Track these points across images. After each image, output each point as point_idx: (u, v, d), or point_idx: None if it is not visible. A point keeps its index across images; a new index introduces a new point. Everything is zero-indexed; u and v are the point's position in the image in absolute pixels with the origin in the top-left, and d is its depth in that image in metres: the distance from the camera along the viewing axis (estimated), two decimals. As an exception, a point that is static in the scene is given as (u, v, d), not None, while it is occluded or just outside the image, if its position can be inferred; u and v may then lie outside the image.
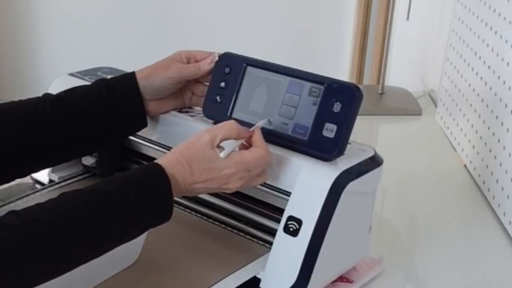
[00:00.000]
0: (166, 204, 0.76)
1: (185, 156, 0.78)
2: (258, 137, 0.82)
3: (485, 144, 1.18)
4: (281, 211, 0.82)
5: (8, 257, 0.65)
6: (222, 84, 0.90)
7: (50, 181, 1.04)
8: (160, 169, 0.76)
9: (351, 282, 0.89)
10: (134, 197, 0.73)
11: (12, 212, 0.68)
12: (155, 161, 0.78)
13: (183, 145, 0.79)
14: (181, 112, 0.95)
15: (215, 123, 0.91)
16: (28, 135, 0.85)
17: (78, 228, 0.69)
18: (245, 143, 0.82)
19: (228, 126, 0.81)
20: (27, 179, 1.00)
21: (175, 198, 0.98)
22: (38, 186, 1.04)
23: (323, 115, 0.82)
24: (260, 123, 0.84)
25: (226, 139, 0.80)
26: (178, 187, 0.77)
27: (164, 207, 0.76)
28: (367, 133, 1.48)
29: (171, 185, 0.76)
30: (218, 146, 0.79)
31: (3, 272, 0.65)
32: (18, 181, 0.91)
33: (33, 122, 0.85)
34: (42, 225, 0.67)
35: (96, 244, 0.72)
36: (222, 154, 0.78)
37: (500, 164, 1.10)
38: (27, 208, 0.69)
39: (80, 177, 1.05)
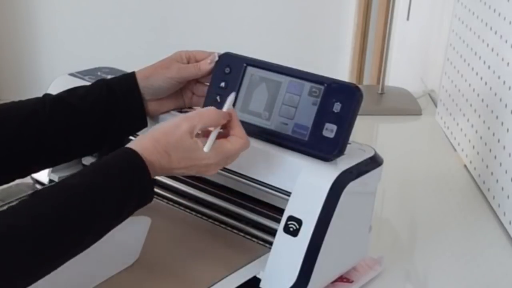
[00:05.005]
0: (147, 190, 0.75)
1: (162, 143, 0.75)
2: (235, 123, 0.80)
3: (485, 144, 1.18)
4: (281, 211, 0.82)
5: None
6: (222, 84, 0.90)
7: (50, 181, 1.04)
8: (137, 157, 0.74)
9: (351, 282, 0.89)
10: (113, 189, 0.72)
11: None
12: (130, 145, 0.75)
13: (160, 131, 0.77)
14: (181, 112, 0.95)
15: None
16: (28, 135, 0.85)
17: (57, 229, 0.67)
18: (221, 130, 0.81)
19: (207, 114, 0.78)
20: (27, 179, 1.00)
21: (174, 198, 0.99)
22: (38, 186, 1.04)
23: (323, 115, 0.82)
24: (229, 101, 0.82)
25: (205, 128, 0.78)
26: (155, 171, 0.75)
27: (145, 194, 0.75)
28: (367, 133, 1.48)
29: (149, 171, 0.74)
30: (197, 135, 0.78)
31: None
32: (18, 181, 0.91)
33: (33, 123, 0.85)
34: (19, 230, 0.65)
35: (77, 242, 0.70)
36: (205, 148, 0.77)
37: (500, 164, 1.10)
38: (0, 213, 0.67)
39: (80, 177, 1.05)
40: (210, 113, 0.79)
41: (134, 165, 0.74)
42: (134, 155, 0.74)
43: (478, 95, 1.24)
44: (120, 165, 0.73)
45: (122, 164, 0.73)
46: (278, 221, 0.82)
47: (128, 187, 0.73)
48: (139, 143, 0.76)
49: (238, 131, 0.80)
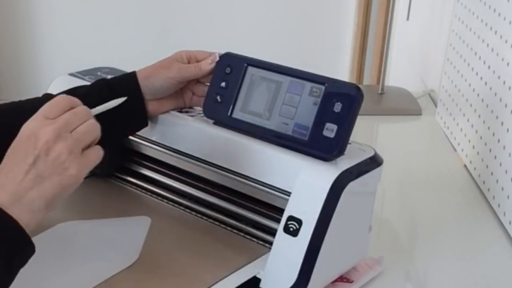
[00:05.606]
0: (18, 243, 0.65)
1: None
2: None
3: (485, 144, 1.18)
4: (281, 211, 0.82)
5: None
6: (223, 84, 0.91)
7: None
8: None
9: (351, 282, 0.89)
10: None
11: None
12: None
13: None
14: (181, 112, 0.96)
15: (215, 123, 0.91)
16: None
17: None
18: None
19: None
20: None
21: (174, 198, 0.99)
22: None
23: (323, 115, 0.82)
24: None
25: None
26: (18, 211, 0.64)
27: (20, 250, 0.65)
28: (367, 133, 1.48)
29: (4, 210, 0.63)
30: None
31: None
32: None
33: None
34: None
35: None
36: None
37: (500, 164, 1.10)
38: None
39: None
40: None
41: None
42: None
43: (478, 95, 1.24)
44: None
45: None
46: (278, 221, 0.82)
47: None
48: None
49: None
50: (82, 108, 0.70)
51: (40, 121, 0.68)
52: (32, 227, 0.66)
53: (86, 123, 0.69)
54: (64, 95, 0.71)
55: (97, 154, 0.70)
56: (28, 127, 0.68)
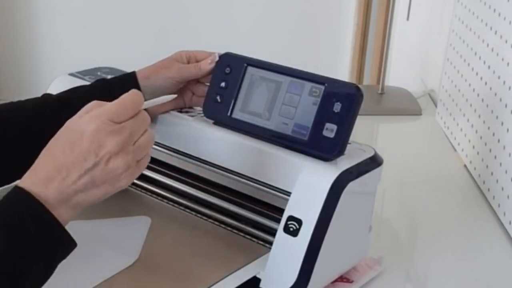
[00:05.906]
0: (61, 241, 0.65)
1: (48, 147, 0.67)
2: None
3: (485, 144, 1.18)
4: (281, 211, 0.82)
5: None
6: (223, 84, 0.91)
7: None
8: (28, 202, 0.63)
9: (351, 282, 0.89)
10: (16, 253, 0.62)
11: None
12: (20, 184, 0.65)
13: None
14: (181, 112, 0.96)
15: (215, 123, 0.91)
16: (29, 136, 0.85)
17: None
18: None
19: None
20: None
21: (174, 198, 0.99)
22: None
23: (323, 115, 0.82)
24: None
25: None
26: (63, 210, 0.65)
27: (60, 244, 0.65)
28: (367, 133, 1.48)
29: (49, 210, 0.64)
30: None
31: None
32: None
33: (34, 124, 0.85)
34: None
35: None
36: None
37: (500, 164, 1.10)
38: None
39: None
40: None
41: (30, 213, 0.63)
42: (17, 195, 0.64)
43: (478, 95, 1.24)
44: (12, 220, 0.63)
45: (14, 219, 0.63)
46: (278, 221, 0.82)
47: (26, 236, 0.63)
48: (27, 177, 0.66)
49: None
50: (145, 115, 0.70)
51: (105, 124, 0.66)
52: (68, 221, 0.67)
53: (146, 135, 0.69)
54: (132, 93, 0.70)
55: (145, 164, 0.71)
56: (92, 127, 0.66)
